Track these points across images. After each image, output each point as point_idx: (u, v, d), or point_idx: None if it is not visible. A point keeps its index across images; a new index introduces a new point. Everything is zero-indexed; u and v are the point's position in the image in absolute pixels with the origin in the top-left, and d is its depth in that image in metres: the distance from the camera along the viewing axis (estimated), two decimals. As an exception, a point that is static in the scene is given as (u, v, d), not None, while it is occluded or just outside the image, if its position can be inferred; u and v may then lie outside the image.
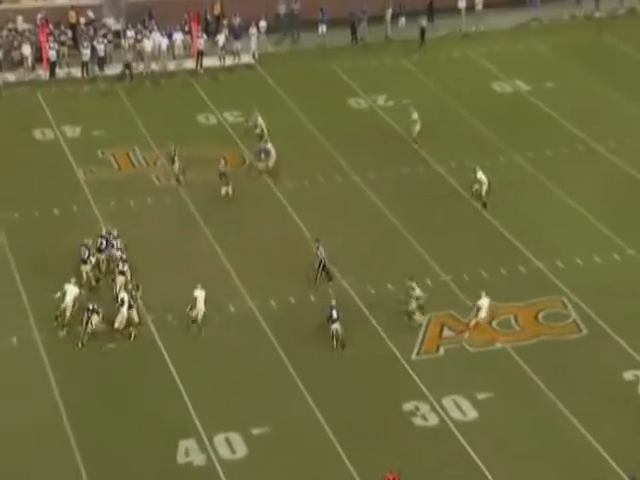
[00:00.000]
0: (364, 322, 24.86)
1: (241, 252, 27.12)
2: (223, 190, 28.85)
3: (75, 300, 23.85)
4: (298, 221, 28.61)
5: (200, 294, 24.22)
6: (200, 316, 24.05)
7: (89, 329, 23.54)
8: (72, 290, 23.91)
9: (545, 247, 27.70)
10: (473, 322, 24.35)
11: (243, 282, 26.00)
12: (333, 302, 24.31)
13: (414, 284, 24.74)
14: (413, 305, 24.54)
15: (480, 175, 29.26)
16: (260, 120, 32.96)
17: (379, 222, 28.93)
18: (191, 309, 24.24)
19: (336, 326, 23.94)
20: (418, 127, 32.24)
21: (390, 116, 35.17)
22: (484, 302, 24.43)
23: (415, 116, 32.64)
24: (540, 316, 25.12)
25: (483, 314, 24.34)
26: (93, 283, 25.31)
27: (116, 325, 23.78)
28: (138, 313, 24.20)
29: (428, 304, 25.14)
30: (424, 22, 40.76)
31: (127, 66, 37.43)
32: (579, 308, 25.36)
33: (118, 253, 25.67)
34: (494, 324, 24.75)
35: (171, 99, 36.31)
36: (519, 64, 39.08)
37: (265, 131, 32.49)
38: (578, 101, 36.17)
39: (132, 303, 23.94)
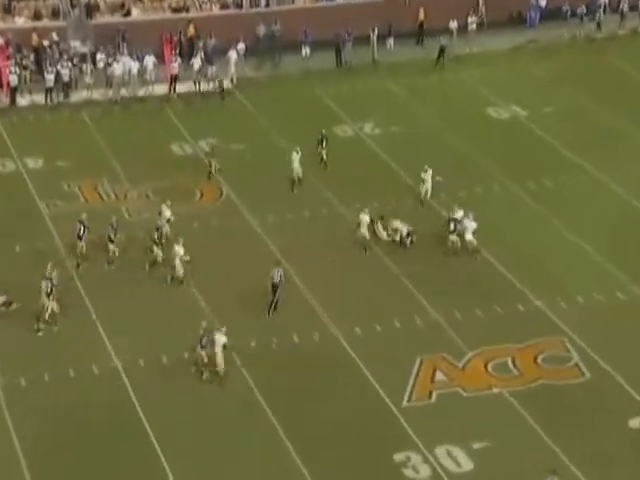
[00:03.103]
0: (351, 366, 25.20)
1: (223, 296, 27.31)
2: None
3: None
4: (279, 255, 28.91)
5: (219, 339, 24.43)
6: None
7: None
8: None
9: (545, 284, 28.08)
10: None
11: (217, 316, 26.30)
12: (460, 213, 27.99)
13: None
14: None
15: (364, 215, 29.20)
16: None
17: (366, 259, 29.33)
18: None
19: (454, 237, 27.67)
20: (428, 187, 31.18)
21: (378, 145, 35.80)
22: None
23: (427, 176, 31.28)
24: (539, 359, 25.46)
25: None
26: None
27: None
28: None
29: (418, 346, 25.59)
30: (444, 40, 41.21)
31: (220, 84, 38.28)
32: (581, 350, 25.73)
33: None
34: (490, 367, 25.15)
35: (142, 127, 36.78)
36: (516, 88, 39.85)
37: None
38: (579, 127, 36.84)
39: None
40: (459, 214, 28.81)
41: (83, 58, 39.63)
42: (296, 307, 26.99)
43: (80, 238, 28.21)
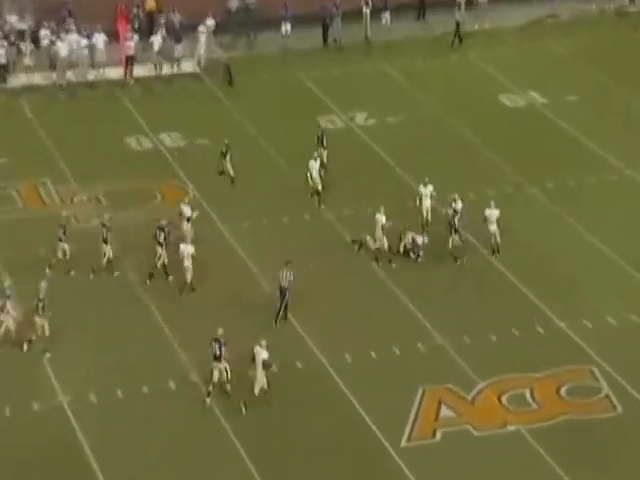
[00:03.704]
0: (340, 399, 25.13)
1: (192, 315, 27.46)
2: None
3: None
4: (254, 269, 29.16)
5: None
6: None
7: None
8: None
9: (569, 302, 28.23)
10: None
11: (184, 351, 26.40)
12: (459, 204, 28.80)
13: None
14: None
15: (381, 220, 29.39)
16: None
17: (359, 272, 29.31)
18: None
19: (455, 237, 28.52)
20: (428, 206, 30.59)
21: (372, 138, 35.83)
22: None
23: (427, 191, 30.62)
24: (563, 390, 25.50)
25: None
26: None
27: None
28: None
29: (420, 375, 25.61)
30: (458, 15, 41.28)
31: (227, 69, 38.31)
32: (612, 380, 25.74)
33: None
34: (504, 400, 25.24)
35: (93, 117, 36.77)
36: (533, 71, 40.05)
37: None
38: (607, 117, 37.11)
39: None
40: (458, 205, 29.29)
41: (21, 35, 39.57)
42: (274, 328, 27.00)
43: (61, 241, 28.45)
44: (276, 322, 27.06)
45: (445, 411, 24.74)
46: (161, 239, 28.25)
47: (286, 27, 41.38)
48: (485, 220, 29.38)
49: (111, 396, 24.99)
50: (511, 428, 24.44)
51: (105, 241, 28.54)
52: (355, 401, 24.97)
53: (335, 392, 25.28)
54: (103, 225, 28.67)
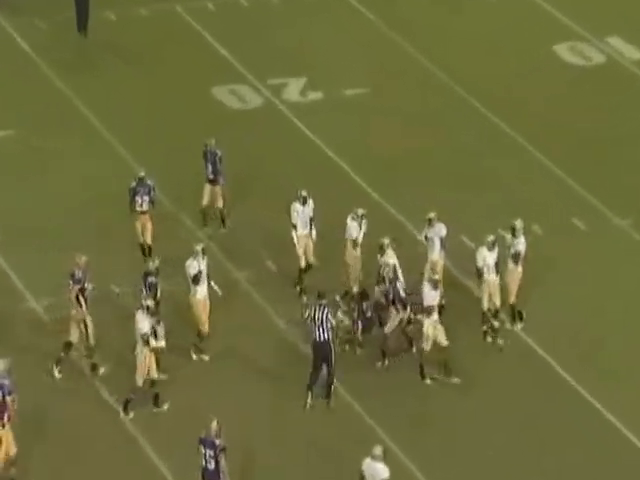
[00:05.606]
0: None
1: None
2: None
3: None
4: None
5: None
6: None
7: None
8: None
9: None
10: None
11: None
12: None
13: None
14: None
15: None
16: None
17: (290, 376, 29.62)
18: None
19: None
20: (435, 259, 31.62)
21: (316, 128, 36.60)
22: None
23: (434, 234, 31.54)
24: None
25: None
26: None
27: None
28: None
29: None
30: None
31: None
32: None
33: None
34: None
35: None
36: (617, 4, 41.13)
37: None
38: None
39: None
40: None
41: None
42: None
43: (81, 305, 29.95)
44: (329, 401, 29.12)
45: None
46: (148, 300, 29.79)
47: None
48: (480, 272, 30.71)
49: None
50: None
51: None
52: None
53: None
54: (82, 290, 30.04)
